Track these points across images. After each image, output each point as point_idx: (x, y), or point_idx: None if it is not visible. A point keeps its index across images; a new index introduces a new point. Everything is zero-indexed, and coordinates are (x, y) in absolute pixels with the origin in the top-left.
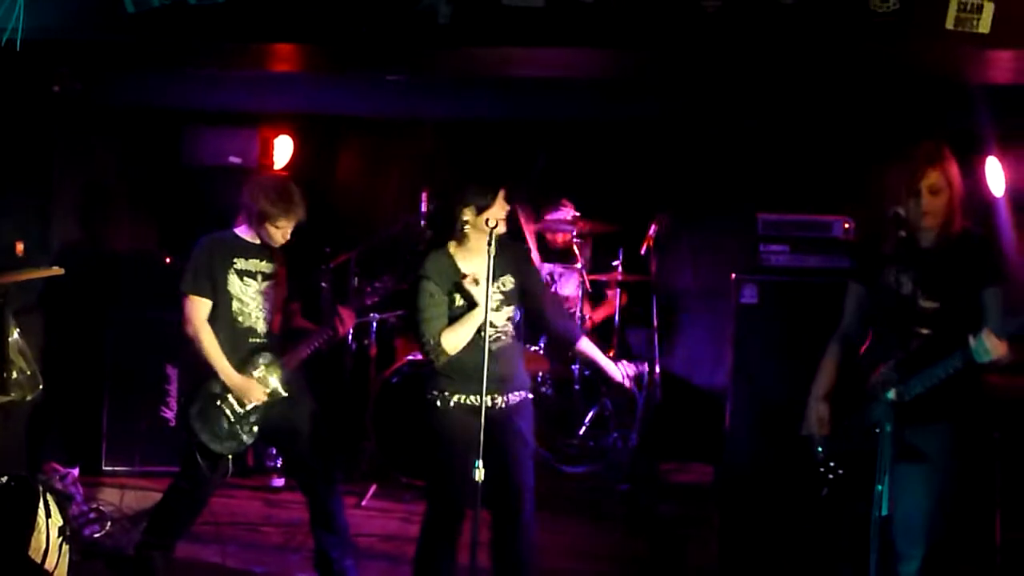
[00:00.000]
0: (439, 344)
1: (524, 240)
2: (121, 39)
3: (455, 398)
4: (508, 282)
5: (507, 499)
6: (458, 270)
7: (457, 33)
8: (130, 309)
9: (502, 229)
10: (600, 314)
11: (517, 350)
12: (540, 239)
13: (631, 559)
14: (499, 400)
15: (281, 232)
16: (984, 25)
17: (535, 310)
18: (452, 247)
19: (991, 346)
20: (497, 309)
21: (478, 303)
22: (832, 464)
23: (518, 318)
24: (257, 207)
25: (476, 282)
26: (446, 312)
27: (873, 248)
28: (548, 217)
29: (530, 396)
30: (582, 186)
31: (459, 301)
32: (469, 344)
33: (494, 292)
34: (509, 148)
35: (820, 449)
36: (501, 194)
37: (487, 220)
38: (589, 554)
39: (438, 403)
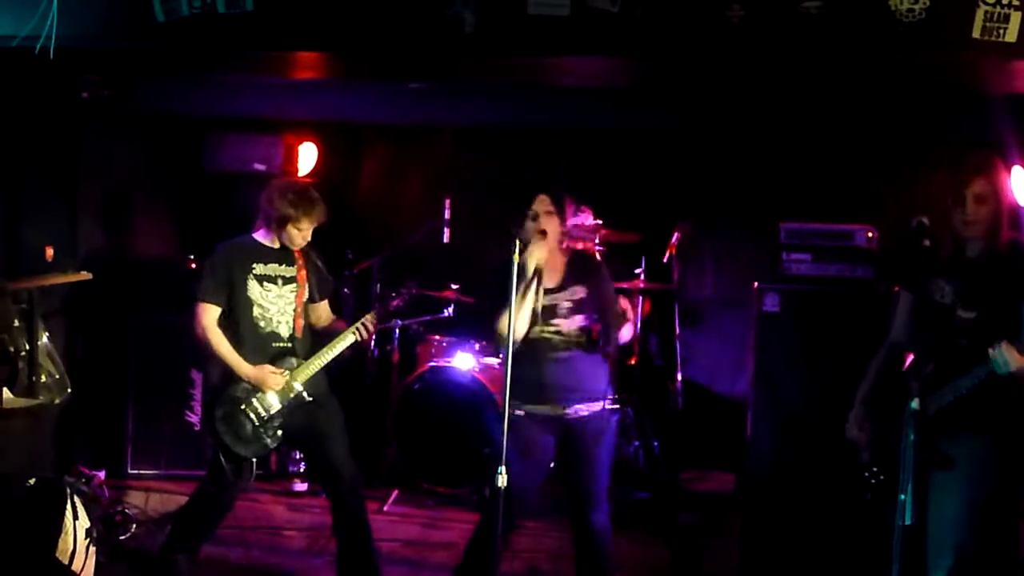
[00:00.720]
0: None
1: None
2: (151, 47)
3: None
4: (579, 292)
5: (577, 509)
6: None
7: (482, 42)
8: (155, 314)
9: (550, 234)
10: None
11: (589, 361)
12: None
13: (652, 568)
14: (565, 410)
15: (302, 234)
16: (1011, 35)
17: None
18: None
19: (1011, 358)
20: (566, 317)
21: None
22: (875, 469)
23: (587, 324)
24: (276, 210)
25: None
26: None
27: (922, 257)
28: (568, 222)
29: (608, 408)
30: (604, 195)
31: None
32: (529, 354)
33: (564, 301)
34: (532, 156)
35: (862, 453)
36: (540, 201)
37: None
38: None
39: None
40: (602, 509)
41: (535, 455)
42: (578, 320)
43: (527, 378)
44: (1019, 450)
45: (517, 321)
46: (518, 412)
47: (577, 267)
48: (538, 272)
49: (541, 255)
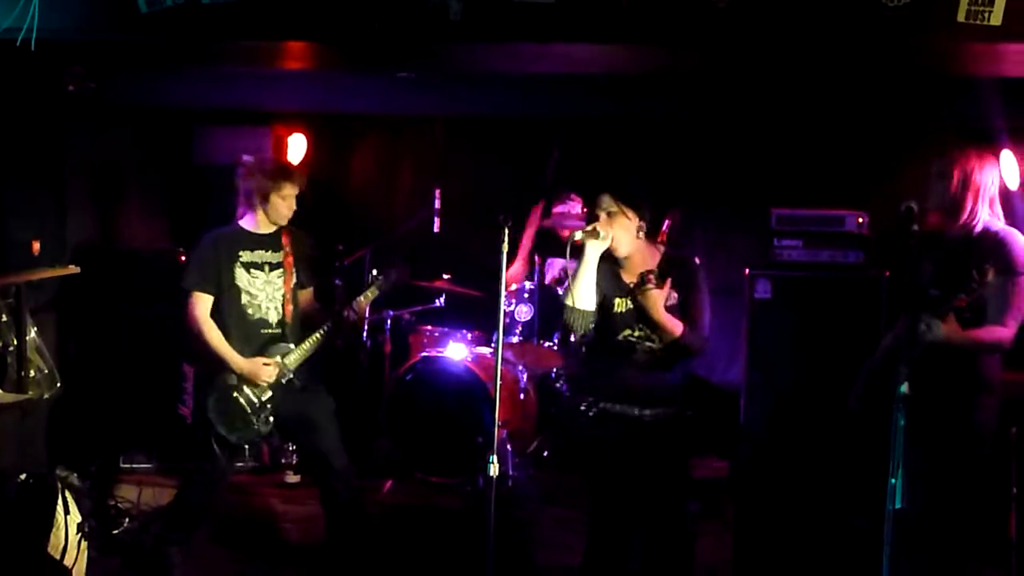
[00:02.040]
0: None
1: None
2: (134, 39)
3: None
4: (671, 296)
5: (651, 517)
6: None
7: (468, 30)
8: (145, 307)
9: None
10: None
11: (669, 360)
12: (551, 235)
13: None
14: (636, 412)
15: (287, 203)
16: (996, 18)
17: None
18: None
19: (936, 329)
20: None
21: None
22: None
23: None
24: (257, 184)
25: (596, 233)
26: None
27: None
28: (556, 211)
29: (678, 412)
30: (595, 182)
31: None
32: (602, 347)
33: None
34: (522, 145)
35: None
36: (601, 202)
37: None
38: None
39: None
40: (672, 518)
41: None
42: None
43: (607, 377)
44: (1000, 434)
45: (585, 297)
46: (592, 410)
47: (673, 272)
48: (612, 268)
49: (596, 251)
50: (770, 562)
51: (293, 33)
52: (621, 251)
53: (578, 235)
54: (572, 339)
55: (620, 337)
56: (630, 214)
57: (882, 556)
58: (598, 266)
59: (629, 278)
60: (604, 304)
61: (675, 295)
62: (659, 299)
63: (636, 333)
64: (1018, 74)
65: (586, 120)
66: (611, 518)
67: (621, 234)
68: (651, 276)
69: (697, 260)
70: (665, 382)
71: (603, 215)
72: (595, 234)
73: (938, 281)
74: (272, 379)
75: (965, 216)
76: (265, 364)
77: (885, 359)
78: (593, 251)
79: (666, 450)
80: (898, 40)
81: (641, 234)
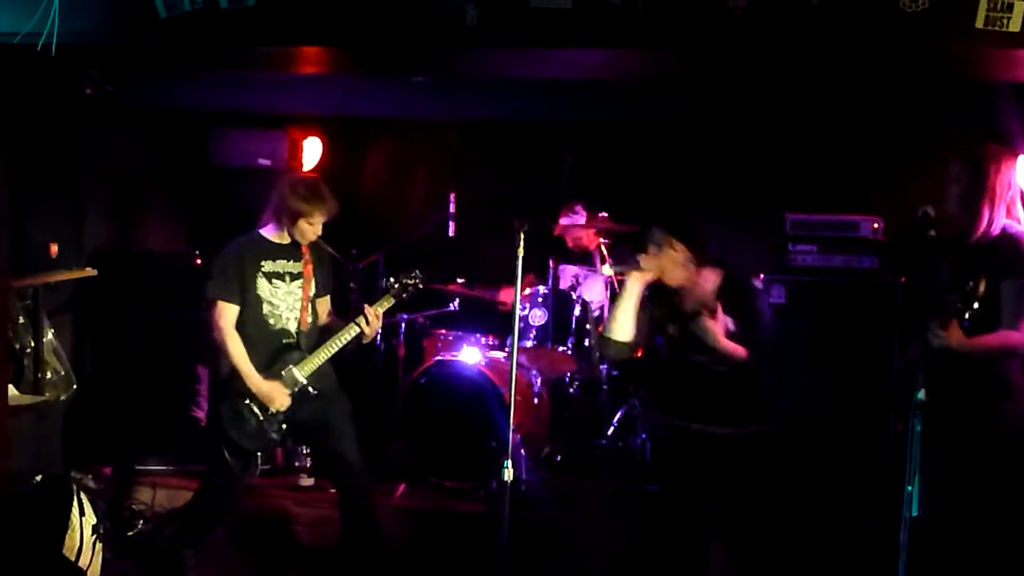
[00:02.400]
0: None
1: None
2: (153, 43)
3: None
4: (728, 323)
5: (738, 535)
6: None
7: (484, 35)
8: (160, 309)
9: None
10: None
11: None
12: (561, 242)
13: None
14: (715, 430)
15: (312, 228)
16: (1015, 24)
17: None
18: None
19: (938, 335)
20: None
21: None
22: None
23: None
24: (289, 205)
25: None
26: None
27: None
28: (562, 221)
29: (761, 431)
30: (608, 186)
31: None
32: (674, 367)
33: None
34: (538, 149)
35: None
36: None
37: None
38: (616, 554)
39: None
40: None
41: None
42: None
43: (681, 396)
44: (993, 427)
45: (622, 329)
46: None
47: (726, 297)
48: (670, 295)
49: (638, 283)
50: (784, 568)
51: (310, 38)
52: (672, 282)
53: (608, 270)
54: (603, 364)
55: (687, 359)
56: (678, 246)
57: (898, 563)
58: (658, 293)
59: (687, 305)
60: (665, 329)
61: (731, 322)
62: (715, 329)
63: (701, 357)
64: None
65: (600, 125)
66: (687, 536)
67: (670, 266)
68: (703, 310)
69: (756, 281)
70: (742, 401)
71: (652, 248)
72: (636, 266)
73: (955, 286)
74: (285, 406)
75: (984, 220)
76: (282, 392)
77: (906, 365)
78: (635, 283)
79: (746, 468)
80: (916, 45)
81: (692, 265)
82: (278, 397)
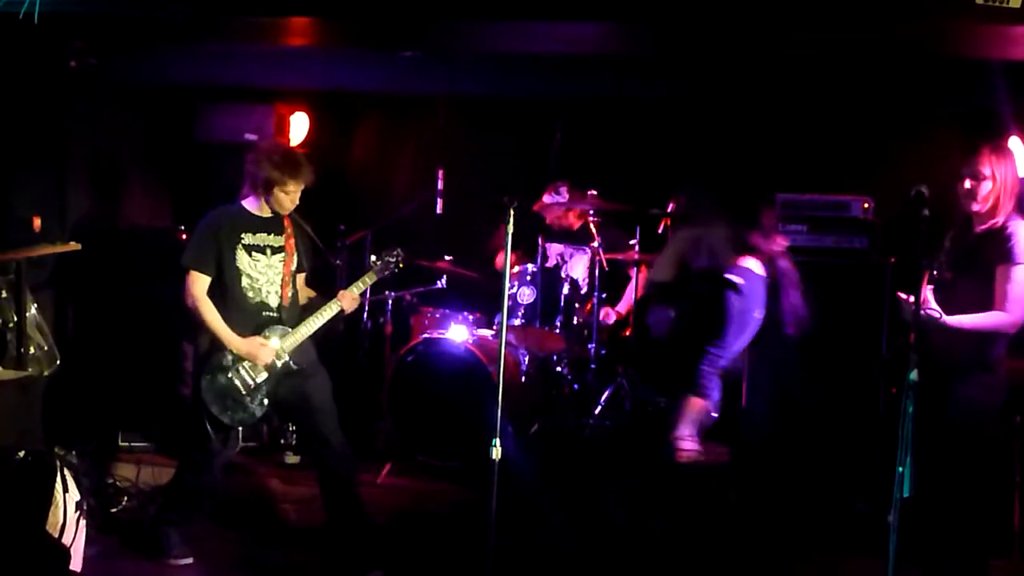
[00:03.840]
0: None
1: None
2: (136, 13)
3: None
4: None
5: None
6: None
7: (475, 8)
8: (145, 285)
9: None
10: (625, 308)
11: None
12: (542, 221)
13: (647, 539)
14: None
15: (290, 197)
16: (1015, 0)
17: None
18: None
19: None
20: None
21: None
22: None
23: None
24: (263, 173)
25: None
26: None
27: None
28: (545, 199)
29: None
30: (599, 165)
31: None
32: None
33: None
34: (527, 125)
35: None
36: None
37: None
38: (605, 535)
39: None
40: None
41: None
42: None
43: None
44: (1005, 421)
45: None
46: None
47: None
48: None
49: None
50: (771, 545)
51: (297, 9)
52: None
53: None
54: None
55: None
56: None
57: (889, 543)
58: None
59: None
60: None
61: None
62: None
63: None
64: None
65: (591, 102)
66: None
67: None
68: None
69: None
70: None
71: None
72: None
73: (953, 266)
74: (269, 360)
75: (1000, 214)
76: (262, 344)
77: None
78: None
79: None
80: (915, 22)
81: None
82: (259, 352)
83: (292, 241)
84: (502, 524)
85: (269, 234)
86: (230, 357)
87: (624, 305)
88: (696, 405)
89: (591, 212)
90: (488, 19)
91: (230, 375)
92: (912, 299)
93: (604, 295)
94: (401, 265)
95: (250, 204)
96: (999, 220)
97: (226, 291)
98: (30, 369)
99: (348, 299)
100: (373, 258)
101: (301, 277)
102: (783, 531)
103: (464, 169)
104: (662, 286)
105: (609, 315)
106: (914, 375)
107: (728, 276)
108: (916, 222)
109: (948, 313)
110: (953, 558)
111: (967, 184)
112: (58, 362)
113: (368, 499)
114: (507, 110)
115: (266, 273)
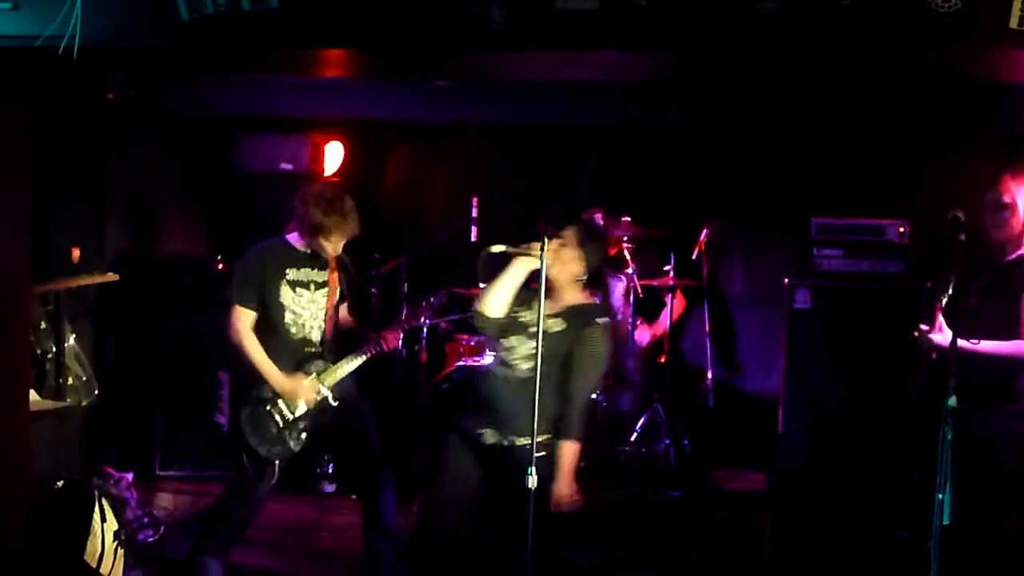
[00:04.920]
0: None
1: None
2: (175, 46)
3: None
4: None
5: None
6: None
7: (509, 38)
8: (183, 315)
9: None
10: (659, 327)
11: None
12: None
13: (684, 567)
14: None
15: (333, 246)
16: None
17: None
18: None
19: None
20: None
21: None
22: None
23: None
24: (310, 220)
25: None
26: None
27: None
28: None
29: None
30: (634, 191)
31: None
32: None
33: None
34: (561, 153)
35: None
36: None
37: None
38: (642, 563)
39: None
40: None
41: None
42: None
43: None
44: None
45: (494, 305)
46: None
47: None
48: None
49: (524, 268)
50: (809, 574)
51: (333, 41)
52: (555, 282)
53: (499, 248)
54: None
55: None
56: (579, 256)
57: (928, 571)
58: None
59: (549, 308)
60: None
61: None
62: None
63: None
64: None
65: (625, 129)
66: None
67: (560, 268)
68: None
69: (602, 321)
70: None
71: (557, 242)
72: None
73: (981, 293)
74: (311, 399)
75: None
76: (304, 382)
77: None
78: (520, 267)
79: None
80: (948, 46)
81: (579, 281)
82: (302, 391)
83: (335, 275)
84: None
85: (313, 269)
86: (270, 391)
87: (659, 328)
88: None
89: (625, 238)
90: (524, 48)
91: (269, 408)
92: (925, 327)
93: (639, 321)
94: (445, 303)
95: (294, 239)
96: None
97: (268, 326)
98: (68, 399)
99: (391, 339)
100: (417, 301)
101: (343, 307)
102: (820, 558)
103: (498, 197)
104: None
105: (644, 334)
106: (952, 401)
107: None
108: (953, 247)
109: (971, 340)
110: None
111: (990, 213)
112: (96, 392)
113: (402, 527)
114: (541, 138)
115: (309, 308)
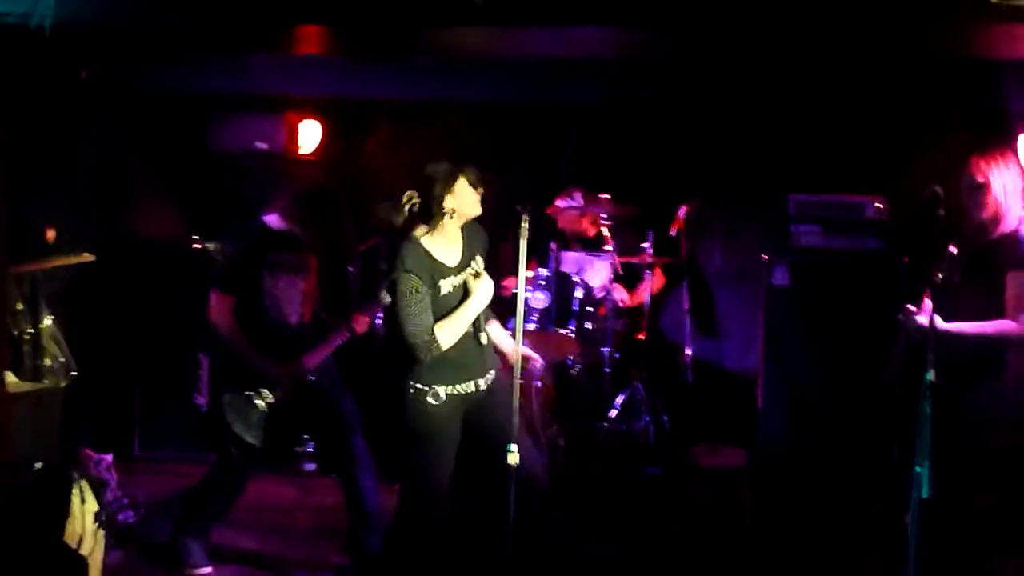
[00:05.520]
0: (434, 338)
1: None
2: (148, 24)
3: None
4: (479, 263)
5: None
6: (434, 259)
7: (490, 14)
8: (160, 295)
9: (478, 211)
10: (638, 297)
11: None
12: (554, 226)
13: (663, 544)
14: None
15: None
16: None
17: None
18: (422, 236)
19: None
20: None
21: (473, 294)
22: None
23: None
24: (293, 221)
25: (477, 275)
26: (430, 305)
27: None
28: (557, 203)
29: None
30: (611, 169)
31: (443, 291)
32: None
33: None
34: (539, 132)
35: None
36: (472, 177)
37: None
38: (620, 539)
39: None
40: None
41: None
42: None
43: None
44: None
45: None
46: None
47: (474, 238)
48: None
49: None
50: (788, 550)
51: (310, 17)
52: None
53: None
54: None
55: None
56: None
57: (907, 544)
58: (419, 254)
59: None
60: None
61: (482, 261)
62: None
63: None
64: None
65: (604, 107)
66: None
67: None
68: None
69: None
70: None
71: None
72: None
73: (964, 270)
74: (291, 385)
75: (1007, 218)
76: (284, 369)
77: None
78: (483, 296)
79: None
80: (930, 22)
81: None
82: (282, 376)
83: (315, 260)
84: (517, 529)
85: (292, 252)
86: (250, 376)
87: (636, 298)
88: None
89: (604, 217)
90: (498, 24)
91: (251, 393)
92: (912, 308)
93: (617, 285)
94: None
95: (273, 222)
96: (1011, 225)
97: (247, 309)
98: (46, 381)
99: (362, 323)
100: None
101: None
102: (800, 532)
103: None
104: None
105: (622, 293)
106: (931, 375)
107: None
108: (931, 222)
109: (953, 319)
110: (957, 556)
111: (967, 195)
112: (74, 373)
113: (387, 508)
114: (521, 116)
115: (287, 292)
